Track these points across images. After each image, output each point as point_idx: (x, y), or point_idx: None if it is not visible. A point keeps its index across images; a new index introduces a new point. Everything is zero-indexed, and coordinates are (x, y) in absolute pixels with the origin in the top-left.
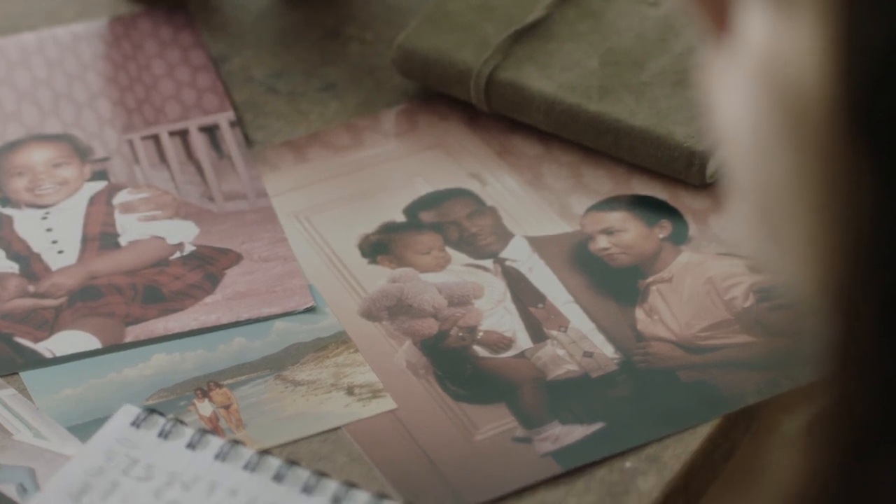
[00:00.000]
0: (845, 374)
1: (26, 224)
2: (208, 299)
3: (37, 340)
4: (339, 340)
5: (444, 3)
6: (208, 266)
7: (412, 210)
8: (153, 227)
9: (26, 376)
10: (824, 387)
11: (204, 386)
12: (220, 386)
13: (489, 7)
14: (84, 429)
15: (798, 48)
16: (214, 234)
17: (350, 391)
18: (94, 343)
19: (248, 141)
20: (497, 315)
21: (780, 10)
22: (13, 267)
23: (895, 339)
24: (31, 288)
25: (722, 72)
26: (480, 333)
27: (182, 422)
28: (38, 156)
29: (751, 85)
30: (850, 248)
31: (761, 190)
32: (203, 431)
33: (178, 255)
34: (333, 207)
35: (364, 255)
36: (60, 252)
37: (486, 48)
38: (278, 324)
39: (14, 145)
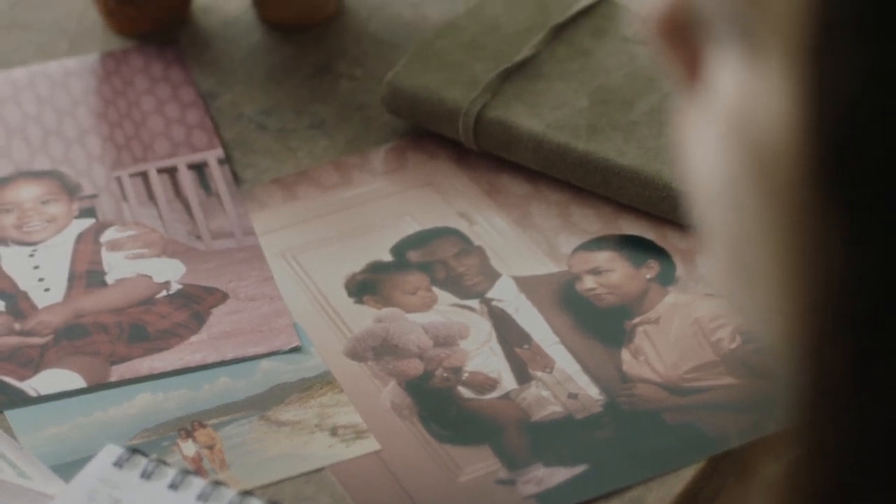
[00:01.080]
0: (816, 424)
1: (13, 261)
2: (194, 338)
3: (22, 379)
4: (324, 381)
5: (433, 40)
6: (194, 305)
7: (399, 249)
8: (140, 266)
9: (11, 415)
10: (796, 437)
11: (188, 426)
12: (204, 426)
13: (478, 45)
14: (68, 468)
15: (768, 101)
16: (201, 272)
17: (334, 432)
18: (79, 382)
19: (236, 178)
20: (482, 356)
21: (751, 63)
22: (1, 306)
23: (865, 392)
24: (17, 326)
25: (695, 121)
26: (465, 374)
27: (165, 462)
28: (27, 192)
29: (722, 136)
30: (820, 300)
31: (732, 240)
32: (185, 472)
33: (164, 293)
34: (321, 246)
35: (350, 294)
36: (47, 290)
37: (475, 87)
38: (263, 363)
39: (2, 182)
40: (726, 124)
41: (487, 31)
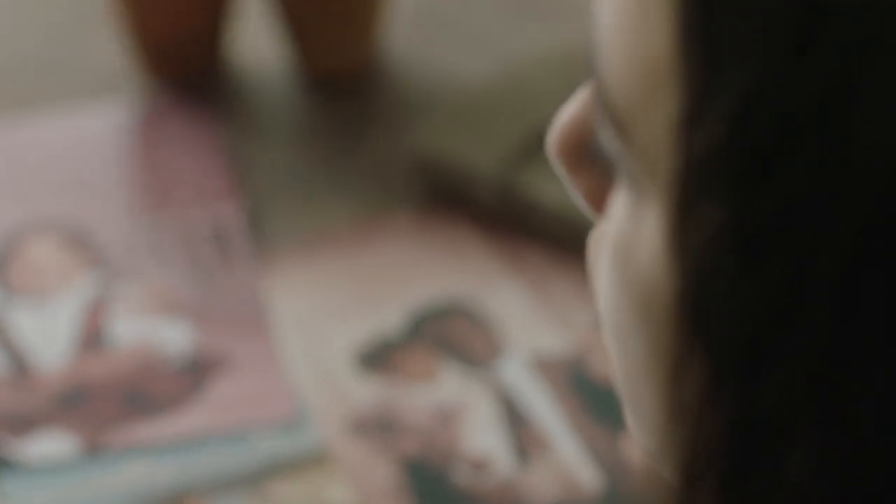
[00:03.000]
0: None
1: (19, 317)
2: (193, 407)
3: (16, 443)
4: (320, 455)
5: (461, 103)
6: (197, 372)
7: (412, 320)
8: (147, 327)
9: (2, 480)
10: None
11: (177, 500)
12: (193, 499)
13: (507, 109)
14: None
15: (646, 239)
16: (208, 336)
17: None
18: (74, 448)
19: (255, 237)
20: (483, 434)
21: (634, 198)
22: (1, 363)
23: None
24: (17, 386)
25: (600, 247)
26: (463, 454)
27: None
28: (41, 246)
29: (611, 267)
30: (687, 446)
31: (624, 371)
32: None
33: (168, 358)
34: (334, 314)
35: (358, 365)
36: (51, 349)
37: (499, 153)
38: (260, 435)
39: (17, 234)
40: (614, 258)
41: (518, 94)
